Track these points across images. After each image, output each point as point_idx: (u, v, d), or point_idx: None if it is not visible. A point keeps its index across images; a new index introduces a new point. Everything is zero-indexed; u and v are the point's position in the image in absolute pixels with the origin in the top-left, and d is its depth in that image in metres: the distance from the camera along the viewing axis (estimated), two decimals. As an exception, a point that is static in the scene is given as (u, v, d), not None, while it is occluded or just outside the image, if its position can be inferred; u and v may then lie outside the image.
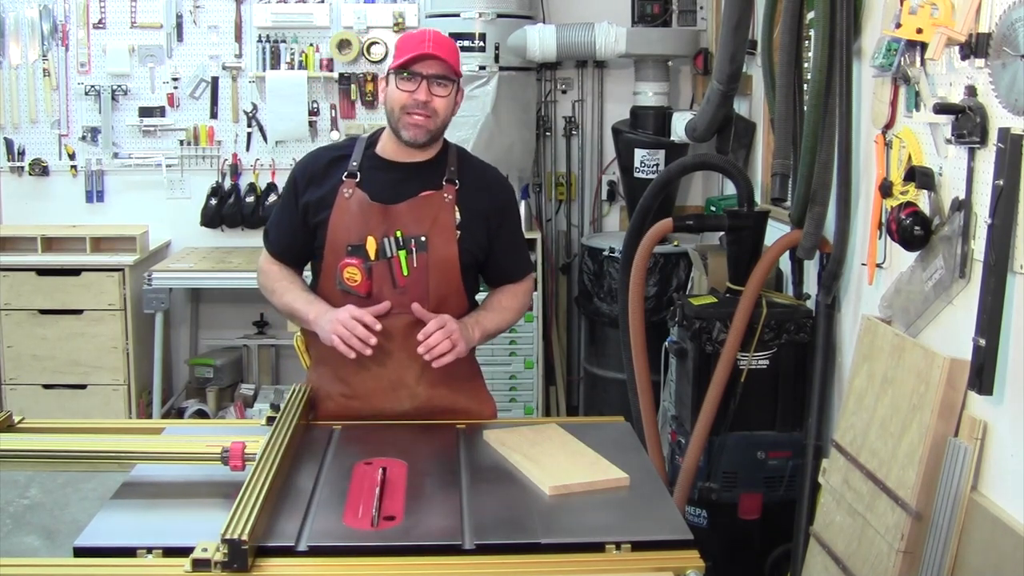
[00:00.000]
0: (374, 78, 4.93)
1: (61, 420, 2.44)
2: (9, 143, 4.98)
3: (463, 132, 4.46)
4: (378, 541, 1.67)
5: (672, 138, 4.52)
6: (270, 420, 2.14)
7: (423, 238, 2.30)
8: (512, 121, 4.61)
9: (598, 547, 1.66)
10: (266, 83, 4.92)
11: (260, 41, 4.95)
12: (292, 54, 4.95)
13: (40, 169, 4.99)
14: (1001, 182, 2.12)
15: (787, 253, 3.38)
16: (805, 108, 3.07)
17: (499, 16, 4.50)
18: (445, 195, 2.34)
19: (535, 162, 5.03)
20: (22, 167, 4.99)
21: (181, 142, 5.02)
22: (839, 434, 2.93)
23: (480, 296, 2.52)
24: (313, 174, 2.39)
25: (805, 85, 3.15)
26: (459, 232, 2.33)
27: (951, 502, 2.33)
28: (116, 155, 5.01)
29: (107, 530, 1.70)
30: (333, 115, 5.01)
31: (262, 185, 5.05)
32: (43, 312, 4.61)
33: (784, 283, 3.68)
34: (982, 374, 2.22)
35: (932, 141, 2.53)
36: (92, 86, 4.93)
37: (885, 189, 2.75)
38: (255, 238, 5.02)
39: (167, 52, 4.95)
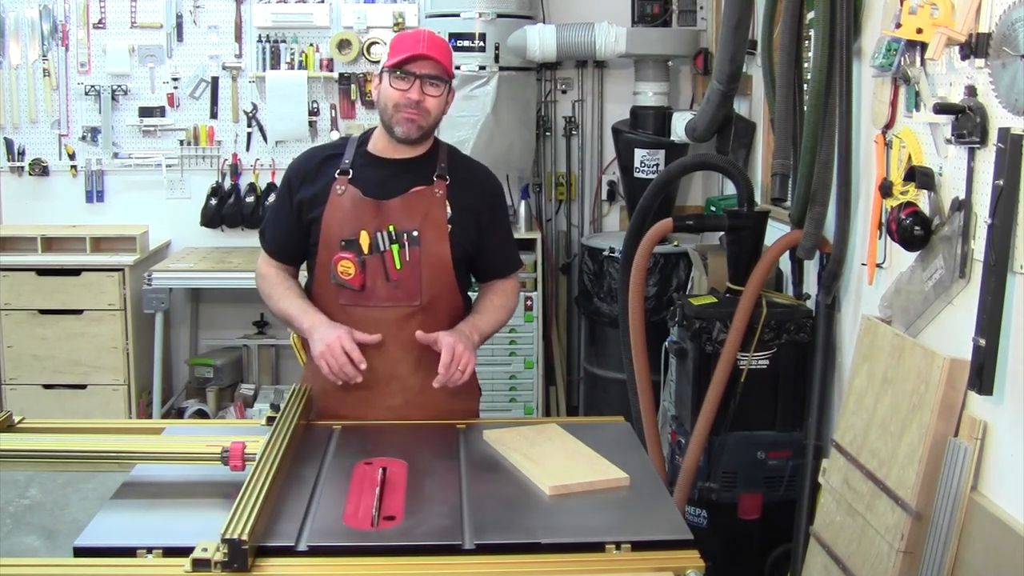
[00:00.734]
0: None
1: (61, 420, 2.44)
2: (9, 143, 4.98)
3: (463, 132, 4.46)
4: (378, 541, 1.67)
5: (672, 138, 4.52)
6: (270, 420, 2.14)
7: (415, 232, 2.35)
8: (512, 121, 4.61)
9: (598, 547, 1.66)
10: (266, 83, 4.92)
11: (260, 41, 4.95)
12: (292, 54, 4.95)
13: (40, 169, 5.00)
14: (1001, 182, 2.12)
15: (787, 253, 3.38)
16: (805, 108, 3.07)
17: (499, 16, 4.50)
18: (436, 190, 2.38)
19: (535, 162, 5.03)
20: (22, 167, 4.99)
21: (181, 142, 5.02)
22: (839, 434, 2.93)
23: (475, 296, 2.57)
24: (306, 173, 2.44)
25: (805, 85, 3.15)
26: (450, 227, 2.38)
27: (951, 502, 2.33)
28: (116, 155, 5.01)
29: (107, 530, 1.70)
30: (333, 115, 5.01)
31: (262, 185, 5.06)
32: (43, 312, 4.61)
33: (784, 283, 3.68)
34: (982, 374, 2.22)
35: (932, 141, 2.53)
36: (92, 86, 4.93)
37: (885, 189, 2.75)
38: (255, 238, 4.97)
39: (167, 52, 4.96)
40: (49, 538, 1.91)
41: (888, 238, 2.75)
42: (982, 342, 2.21)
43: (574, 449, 2.08)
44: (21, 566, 1.61)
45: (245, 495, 1.67)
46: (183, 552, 1.56)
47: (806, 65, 3.15)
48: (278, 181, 4.98)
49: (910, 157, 2.62)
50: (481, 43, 4.49)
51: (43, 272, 4.61)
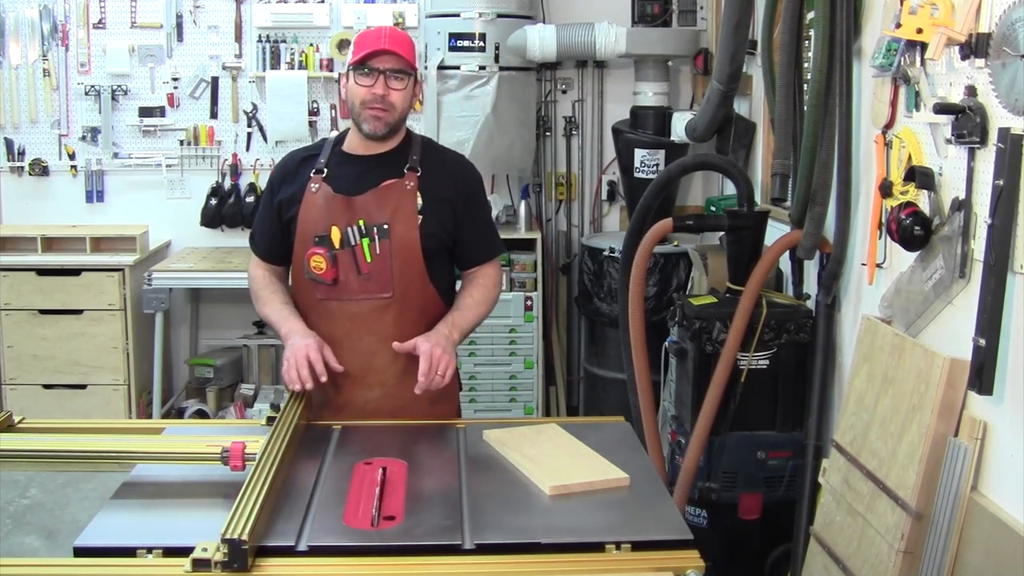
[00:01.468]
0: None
1: (61, 420, 2.44)
2: (9, 143, 4.98)
3: (463, 132, 4.46)
4: (378, 541, 1.67)
5: (672, 138, 4.52)
6: (270, 420, 2.14)
7: (385, 226, 2.39)
8: (512, 121, 4.61)
9: (598, 547, 1.66)
10: (266, 83, 4.92)
11: (260, 41, 4.95)
12: (292, 54, 4.95)
13: (40, 169, 5.00)
14: (1001, 182, 2.12)
15: (787, 253, 3.38)
16: (805, 108, 3.07)
17: (499, 16, 4.50)
18: (407, 183, 2.42)
19: (535, 162, 5.03)
20: (22, 167, 4.99)
21: (181, 142, 5.02)
22: (839, 434, 2.93)
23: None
24: (285, 174, 2.53)
25: (805, 85, 3.15)
26: (421, 217, 2.40)
27: (951, 502, 2.33)
28: (116, 155, 5.01)
29: (107, 530, 1.70)
30: (333, 115, 5.01)
31: (262, 185, 5.04)
32: (43, 312, 4.61)
33: (784, 283, 3.68)
34: (982, 374, 2.22)
35: (932, 141, 2.53)
36: (92, 86, 4.93)
37: (885, 189, 2.75)
38: (255, 238, 5.03)
39: (167, 52, 4.96)
40: (49, 538, 1.91)
41: (888, 238, 2.74)
42: (982, 342, 2.21)
43: (574, 449, 2.08)
44: (21, 566, 1.61)
45: (245, 495, 1.67)
46: (183, 552, 1.56)
47: (806, 65, 3.15)
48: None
49: (910, 157, 2.62)
50: (481, 43, 4.49)
51: (43, 272, 4.61)
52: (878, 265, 2.88)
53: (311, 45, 4.95)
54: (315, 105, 5.00)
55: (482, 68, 4.50)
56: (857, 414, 2.83)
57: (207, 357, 5.03)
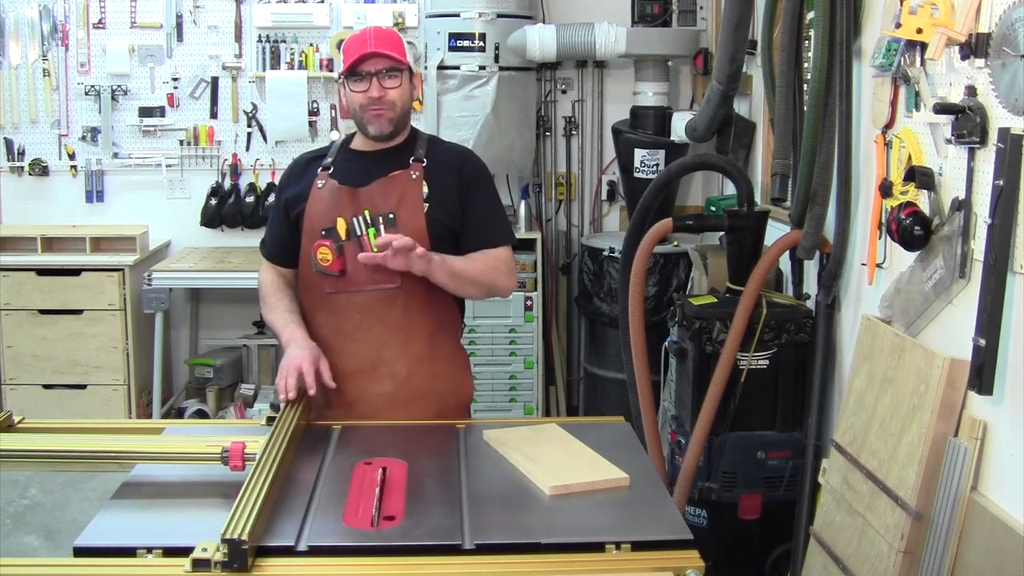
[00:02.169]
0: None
1: (61, 420, 2.43)
2: (9, 143, 4.98)
3: (463, 132, 4.46)
4: (378, 541, 1.67)
5: (672, 138, 4.52)
6: (270, 420, 2.14)
7: (391, 215, 2.38)
8: (512, 121, 4.61)
9: (598, 547, 1.66)
10: (266, 83, 4.92)
11: (260, 41, 4.95)
12: (292, 54, 4.95)
13: (40, 169, 4.99)
14: (1001, 182, 2.12)
15: (787, 253, 3.38)
16: (805, 108, 3.07)
17: (499, 16, 4.50)
18: (412, 173, 2.43)
19: (535, 162, 5.03)
20: (22, 167, 4.99)
21: (181, 142, 5.02)
22: (839, 434, 2.93)
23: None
24: (292, 175, 2.56)
25: (805, 85, 3.15)
26: (427, 205, 2.40)
27: (951, 502, 2.33)
28: (116, 155, 5.01)
29: (107, 530, 1.70)
30: (333, 115, 5.01)
31: (262, 185, 5.06)
32: (43, 312, 4.61)
33: (784, 283, 3.68)
34: (982, 374, 2.22)
35: (932, 141, 2.53)
36: (92, 86, 4.93)
37: (885, 189, 2.75)
38: (255, 238, 4.98)
39: (167, 52, 4.95)
40: (49, 538, 1.91)
41: (888, 238, 2.75)
42: (982, 342, 2.21)
43: (574, 449, 2.08)
44: (21, 566, 1.61)
45: (245, 495, 1.67)
46: (183, 552, 1.56)
47: (806, 65, 3.15)
48: (278, 181, 5.01)
49: (910, 157, 2.62)
50: (481, 43, 4.49)
51: (43, 272, 4.61)
52: (878, 265, 2.88)
53: (311, 45, 4.95)
54: (315, 105, 5.00)
55: (482, 68, 4.50)
56: (857, 414, 2.83)
57: (207, 357, 5.03)
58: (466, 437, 2.19)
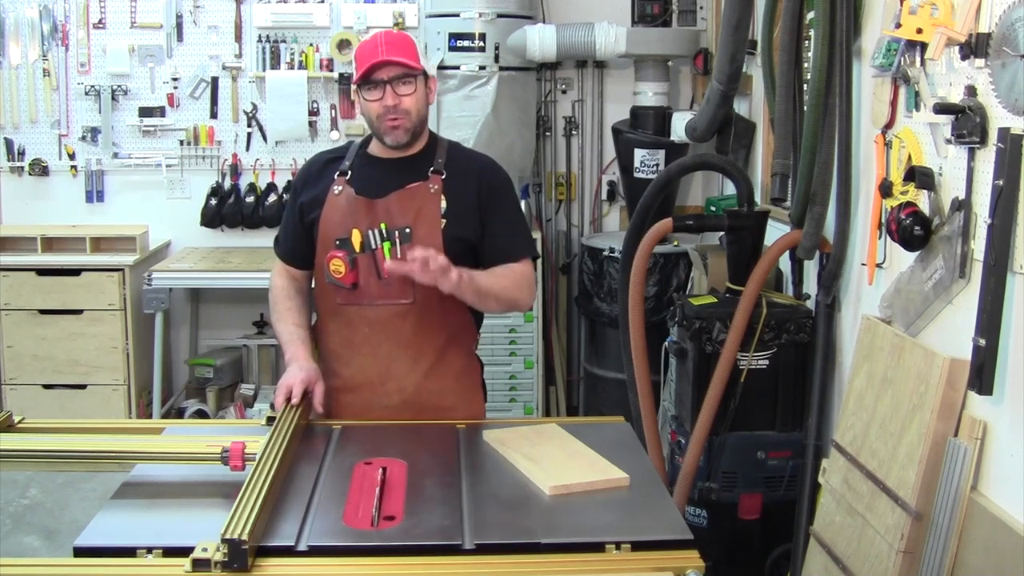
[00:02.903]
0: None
1: (61, 420, 2.43)
2: (9, 143, 4.98)
3: (463, 132, 4.46)
4: (378, 541, 1.67)
5: (672, 138, 4.52)
6: (270, 420, 2.14)
7: (407, 229, 2.34)
8: (512, 121, 4.61)
9: (598, 547, 1.66)
10: (266, 83, 4.92)
11: (260, 41, 4.95)
12: (292, 54, 4.95)
13: (40, 169, 4.99)
14: (1001, 182, 2.12)
15: (787, 253, 3.38)
16: (805, 108, 3.07)
17: (499, 16, 4.50)
18: (431, 186, 2.38)
19: (535, 162, 5.03)
20: (22, 167, 4.99)
21: (181, 142, 5.02)
22: (839, 434, 2.93)
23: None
24: (308, 176, 2.50)
25: (805, 85, 3.15)
26: (444, 221, 2.36)
27: (951, 502, 2.33)
28: (116, 155, 5.01)
29: (107, 530, 1.70)
30: (333, 115, 5.01)
31: (262, 185, 5.05)
32: (43, 312, 4.61)
33: (784, 283, 3.68)
34: (982, 374, 2.22)
35: (932, 141, 2.53)
36: (92, 86, 4.93)
37: (885, 189, 2.75)
38: (255, 238, 5.03)
39: (167, 52, 4.95)
40: (49, 538, 1.91)
41: (888, 238, 2.75)
42: (982, 342, 2.21)
43: (574, 449, 2.08)
44: (21, 566, 1.61)
45: (245, 495, 1.67)
46: (183, 552, 1.55)
47: (806, 65, 3.15)
48: (278, 181, 5.03)
49: (910, 157, 2.62)
50: (481, 43, 4.49)
51: (43, 272, 4.61)
52: (878, 265, 2.88)
53: (311, 45, 4.95)
54: (315, 105, 5.00)
55: (482, 68, 4.50)
56: (857, 414, 2.83)
57: (207, 357, 5.02)
58: (466, 437, 2.19)
